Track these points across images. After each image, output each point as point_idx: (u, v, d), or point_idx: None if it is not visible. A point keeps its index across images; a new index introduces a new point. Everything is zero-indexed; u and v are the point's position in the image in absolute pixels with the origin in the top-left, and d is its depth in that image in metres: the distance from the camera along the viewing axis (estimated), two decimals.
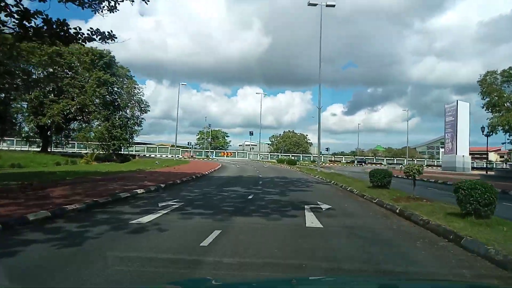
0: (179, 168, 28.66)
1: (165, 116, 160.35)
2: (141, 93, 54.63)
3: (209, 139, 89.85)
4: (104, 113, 47.93)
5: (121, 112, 52.53)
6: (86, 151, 52.58)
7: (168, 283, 3.70)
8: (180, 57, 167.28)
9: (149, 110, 56.31)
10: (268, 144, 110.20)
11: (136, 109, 55.00)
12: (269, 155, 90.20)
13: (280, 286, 2.52)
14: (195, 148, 76.13)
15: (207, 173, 25.29)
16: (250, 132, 70.95)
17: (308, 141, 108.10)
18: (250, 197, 12.01)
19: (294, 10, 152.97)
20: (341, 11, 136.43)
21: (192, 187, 15.16)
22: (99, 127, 47.90)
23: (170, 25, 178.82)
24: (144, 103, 55.71)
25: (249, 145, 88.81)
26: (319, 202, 10.70)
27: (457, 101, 55.41)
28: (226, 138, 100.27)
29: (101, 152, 50.74)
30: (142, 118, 56.79)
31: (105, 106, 48.87)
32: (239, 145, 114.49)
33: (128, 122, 53.19)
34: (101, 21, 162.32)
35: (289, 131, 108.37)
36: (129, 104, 53.00)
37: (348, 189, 14.97)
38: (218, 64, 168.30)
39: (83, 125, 49.35)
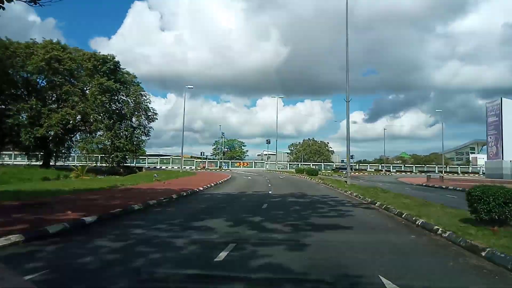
0: (171, 182, 22.26)
1: (187, 128, 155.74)
2: (147, 101, 49.11)
3: (223, 149, 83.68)
4: (106, 122, 42.50)
5: (127, 121, 47.13)
6: (89, 164, 47.33)
7: None
8: (200, 70, 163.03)
9: (156, 119, 50.52)
10: (287, 153, 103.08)
11: (143, 117, 49.51)
12: (288, 165, 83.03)
13: None
14: (209, 159, 69.86)
15: (201, 189, 18.72)
16: (267, 140, 64.39)
17: (330, 149, 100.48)
18: (220, 257, 5.19)
19: (313, 19, 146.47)
20: (361, 18, 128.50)
21: (142, 222, 8.51)
22: (101, 138, 42.28)
23: (190, 39, 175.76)
24: (151, 111, 50.16)
25: (267, 154, 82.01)
26: (388, 284, 3.88)
27: (501, 98, 46.81)
28: (243, 147, 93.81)
29: (105, 165, 45.23)
30: (150, 127, 51.17)
31: (108, 115, 43.54)
32: (258, 155, 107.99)
33: (134, 131, 47.57)
34: (123, 37, 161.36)
35: (309, 139, 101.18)
36: (135, 113, 47.42)
37: (418, 223, 7.87)
38: (238, 75, 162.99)
39: (85, 135, 43.95)
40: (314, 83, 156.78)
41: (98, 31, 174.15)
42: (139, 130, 49.04)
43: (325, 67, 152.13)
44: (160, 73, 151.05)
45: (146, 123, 50.00)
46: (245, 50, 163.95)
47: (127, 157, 44.46)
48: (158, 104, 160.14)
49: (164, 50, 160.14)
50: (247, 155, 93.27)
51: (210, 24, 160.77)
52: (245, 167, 76.17)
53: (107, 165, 44.53)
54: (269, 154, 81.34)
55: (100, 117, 42.44)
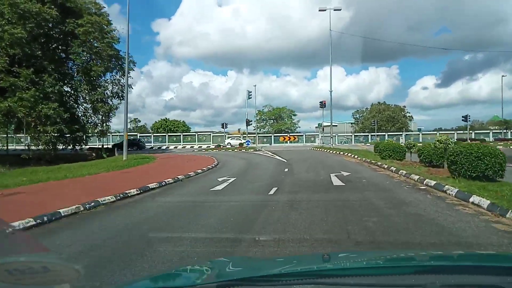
0: None
1: (247, 105, 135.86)
2: (114, 41, 27.83)
3: (270, 120, 60.69)
4: (25, 73, 22.29)
5: (77, 74, 26.80)
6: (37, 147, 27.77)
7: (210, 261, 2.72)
8: (259, 43, 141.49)
9: (133, 69, 29.21)
10: (351, 123, 76.93)
11: (114, 69, 28.67)
12: (352, 137, 57.68)
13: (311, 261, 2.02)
14: (247, 133, 47.66)
15: None
16: (321, 102, 40.11)
17: (407, 114, 72.13)
18: None
19: None
20: None
21: None
22: (9, 102, 21.95)
23: (248, 12, 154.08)
24: (130, 58, 28.74)
25: (323, 125, 57.26)
26: None
27: None
28: (292, 117, 69.69)
29: (39, 148, 25.30)
30: (130, 85, 29.79)
31: (34, 60, 23.46)
32: (315, 127, 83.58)
33: (93, 92, 26.98)
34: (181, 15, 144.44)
35: (378, 102, 73.63)
36: (91, 60, 26.64)
37: None
38: (297, 46, 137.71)
39: None
40: (378, 49, 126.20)
41: (158, 13, 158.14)
42: (105, 89, 28.41)
43: (391, 30, 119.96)
44: (219, 50, 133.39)
45: (119, 78, 29.19)
46: (304, 18, 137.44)
47: (60, 133, 23.86)
48: (219, 82, 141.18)
49: (222, 26, 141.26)
50: (299, 127, 69.09)
51: None
52: (292, 142, 52.84)
53: (43, 148, 24.60)
54: (325, 126, 56.63)
55: (15, 66, 22.59)
